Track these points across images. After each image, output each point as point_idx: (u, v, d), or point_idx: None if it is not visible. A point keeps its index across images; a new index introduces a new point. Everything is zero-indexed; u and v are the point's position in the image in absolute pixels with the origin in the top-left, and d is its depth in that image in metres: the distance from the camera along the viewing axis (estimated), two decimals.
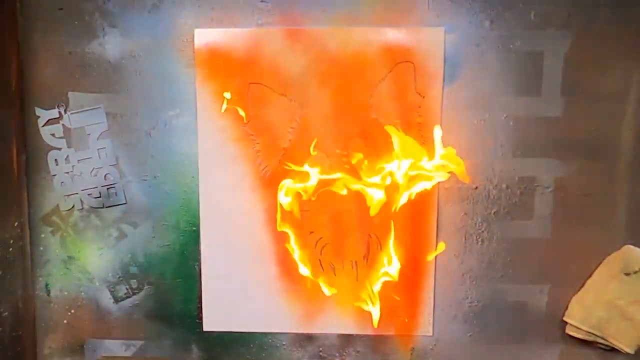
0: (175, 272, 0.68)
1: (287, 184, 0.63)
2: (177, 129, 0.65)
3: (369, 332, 0.68)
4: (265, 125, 0.65)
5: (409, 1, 0.63)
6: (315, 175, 0.62)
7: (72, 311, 0.69)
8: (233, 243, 0.67)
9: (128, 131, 0.66)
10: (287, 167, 0.64)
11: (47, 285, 0.68)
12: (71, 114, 0.65)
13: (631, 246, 0.65)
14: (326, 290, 0.66)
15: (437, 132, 0.59)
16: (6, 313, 0.64)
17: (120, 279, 0.68)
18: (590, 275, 0.66)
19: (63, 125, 0.66)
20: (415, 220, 0.66)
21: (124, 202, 0.67)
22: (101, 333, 0.69)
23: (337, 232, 0.66)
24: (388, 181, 0.61)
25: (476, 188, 0.65)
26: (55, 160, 0.66)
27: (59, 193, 0.67)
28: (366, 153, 0.64)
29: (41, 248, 0.68)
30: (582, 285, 0.66)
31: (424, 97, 0.63)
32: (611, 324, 0.64)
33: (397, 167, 0.60)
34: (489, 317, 0.67)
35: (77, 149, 0.66)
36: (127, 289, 0.68)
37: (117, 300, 0.68)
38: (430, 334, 0.68)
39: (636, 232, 0.65)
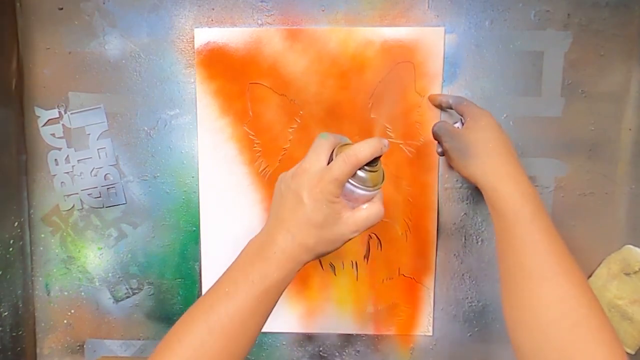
0: (175, 272, 0.68)
1: None
2: (177, 129, 0.66)
3: (369, 332, 0.68)
4: (265, 125, 0.65)
5: (409, 1, 0.63)
6: None
7: (72, 311, 0.69)
8: (233, 243, 0.67)
9: (128, 131, 0.66)
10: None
11: (47, 285, 0.68)
12: (71, 114, 0.65)
13: (631, 246, 0.65)
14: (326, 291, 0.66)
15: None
16: (6, 313, 0.64)
17: (120, 279, 0.68)
18: (590, 276, 0.66)
19: (63, 125, 0.66)
20: (415, 219, 0.66)
21: (124, 202, 0.67)
22: (101, 333, 0.69)
23: None
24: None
25: (476, 188, 0.65)
26: (55, 160, 0.66)
27: (59, 193, 0.67)
28: None
29: (41, 248, 0.68)
30: None
31: (424, 97, 0.63)
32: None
33: None
34: (489, 317, 0.67)
35: (77, 149, 0.66)
36: (127, 289, 0.68)
37: (117, 300, 0.68)
38: (430, 333, 0.68)
39: (636, 232, 0.65)
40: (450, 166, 0.61)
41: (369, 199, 0.45)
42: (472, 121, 0.55)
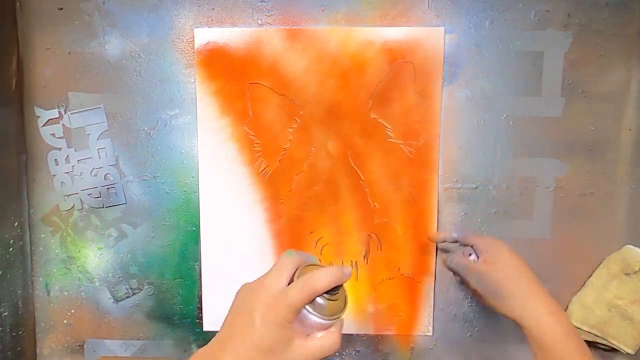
0: (175, 272, 0.68)
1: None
2: (177, 129, 0.66)
3: (369, 332, 0.68)
4: (265, 125, 0.65)
5: (409, 1, 0.63)
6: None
7: (72, 311, 0.69)
8: (233, 243, 0.67)
9: (128, 131, 0.66)
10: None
11: (47, 285, 0.68)
12: (71, 114, 0.65)
13: (631, 246, 0.65)
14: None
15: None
16: (6, 313, 0.64)
17: (120, 279, 0.68)
18: (590, 276, 0.66)
19: (63, 125, 0.66)
20: (415, 219, 0.66)
21: (124, 202, 0.67)
22: (101, 333, 0.69)
23: (337, 232, 0.66)
24: None
25: (476, 188, 0.65)
26: (55, 160, 0.66)
27: (59, 193, 0.67)
28: (366, 153, 0.64)
29: (41, 248, 0.68)
30: (582, 285, 0.66)
31: (424, 97, 0.63)
32: (611, 324, 0.64)
33: None
34: (489, 317, 0.67)
35: (77, 149, 0.66)
36: (127, 289, 0.68)
37: (117, 300, 0.68)
38: (430, 333, 0.68)
39: (636, 232, 0.65)
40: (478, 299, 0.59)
41: (324, 328, 0.42)
42: (491, 255, 0.54)
